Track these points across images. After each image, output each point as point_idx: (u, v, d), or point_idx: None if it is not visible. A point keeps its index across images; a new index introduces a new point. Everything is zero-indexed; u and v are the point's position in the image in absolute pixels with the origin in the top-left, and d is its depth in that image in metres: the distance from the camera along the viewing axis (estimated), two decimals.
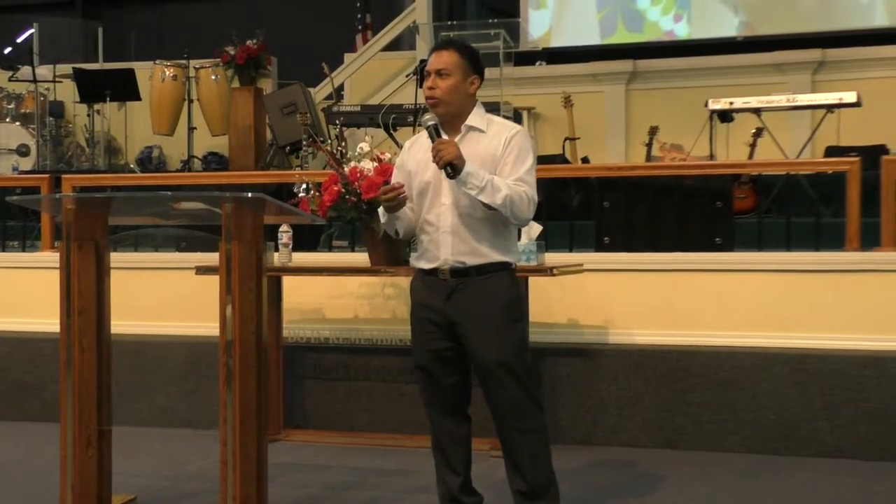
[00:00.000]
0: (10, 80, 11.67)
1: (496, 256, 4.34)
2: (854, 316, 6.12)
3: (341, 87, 11.67)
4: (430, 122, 4.35)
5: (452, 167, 4.17)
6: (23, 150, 11.04)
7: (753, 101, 8.87)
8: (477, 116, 4.39)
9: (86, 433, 4.72)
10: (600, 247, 6.86)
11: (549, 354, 6.27)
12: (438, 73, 4.33)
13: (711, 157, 8.64)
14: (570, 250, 6.87)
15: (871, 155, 7.54)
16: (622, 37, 11.85)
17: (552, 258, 6.12)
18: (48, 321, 6.16)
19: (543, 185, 7.43)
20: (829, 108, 8.77)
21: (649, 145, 8.99)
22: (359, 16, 13.33)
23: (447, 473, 4.61)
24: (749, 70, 10.75)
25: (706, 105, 8.88)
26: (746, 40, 11.30)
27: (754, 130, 8.63)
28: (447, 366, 4.48)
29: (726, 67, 10.82)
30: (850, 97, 8.66)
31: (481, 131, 4.36)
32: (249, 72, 11.02)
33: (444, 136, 4.31)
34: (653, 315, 6.39)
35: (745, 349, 6.11)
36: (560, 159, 9.31)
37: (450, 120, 4.38)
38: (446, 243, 4.36)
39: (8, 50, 12.85)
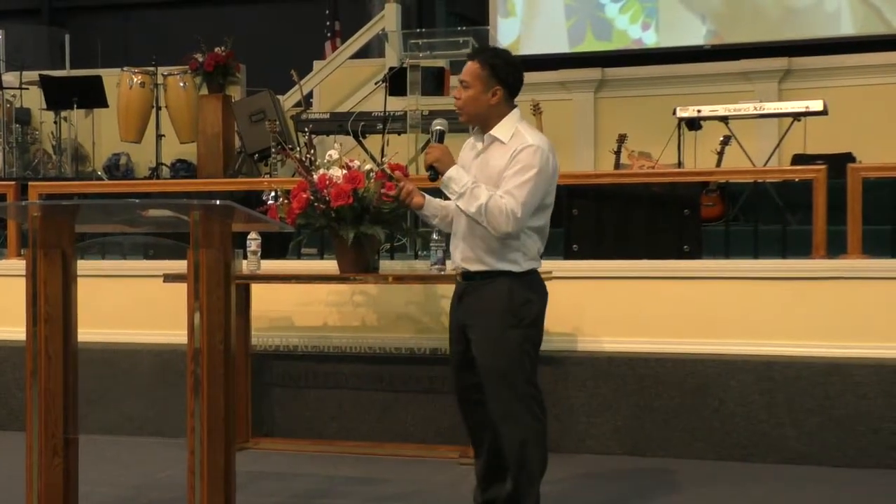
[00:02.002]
0: None
1: (497, 265, 4.40)
2: (821, 323, 6.15)
3: (310, 95, 11.67)
4: (436, 127, 4.55)
5: (434, 170, 4.24)
6: None
7: (721, 110, 8.93)
8: (503, 127, 4.44)
9: (52, 442, 4.68)
10: (569, 254, 6.87)
11: None
12: (462, 83, 4.45)
13: (679, 164, 8.69)
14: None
15: (838, 163, 7.58)
16: (591, 45, 11.91)
17: None
18: (14, 329, 6.12)
19: None
20: (796, 116, 8.85)
21: (618, 153, 9.03)
22: (328, 23, 13.34)
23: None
24: (716, 78, 10.84)
25: (674, 113, 8.94)
26: (714, 49, 11.39)
27: (722, 138, 8.69)
28: (467, 368, 4.56)
29: (694, 76, 10.90)
30: (816, 105, 8.73)
31: (502, 143, 4.42)
32: (218, 79, 11.00)
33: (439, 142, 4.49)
34: (621, 322, 6.41)
35: (712, 356, 6.13)
36: None
37: (480, 128, 4.50)
38: (458, 248, 4.53)
39: None
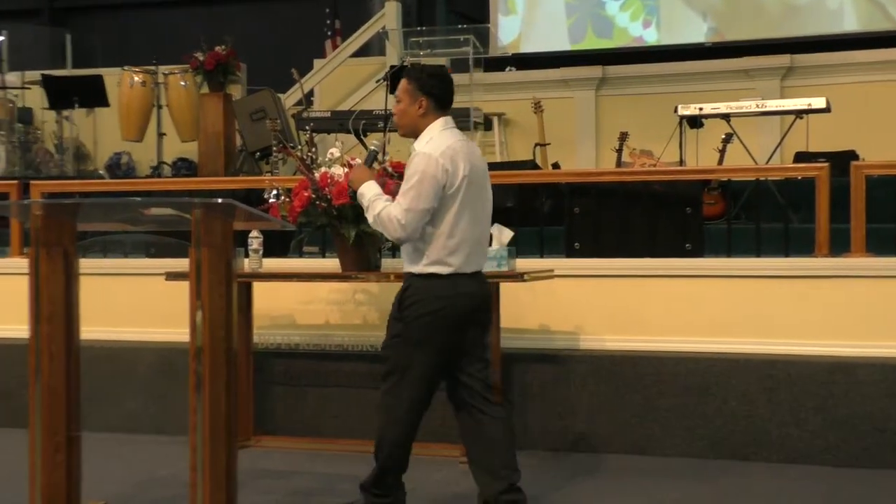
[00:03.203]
0: None
1: (409, 267, 4.71)
2: (823, 322, 6.15)
3: (311, 93, 11.66)
4: (371, 148, 5.07)
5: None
6: None
7: (722, 107, 8.91)
8: (423, 138, 4.70)
9: (55, 439, 4.68)
10: (571, 252, 6.87)
11: (520, 360, 6.27)
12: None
13: (681, 162, 8.68)
14: (541, 256, 6.88)
15: (841, 161, 7.59)
16: (591, 42, 11.91)
17: (523, 264, 6.13)
18: (17, 327, 6.11)
19: (514, 190, 7.49)
20: (799, 113, 8.83)
21: (619, 151, 9.02)
22: (328, 22, 13.33)
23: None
24: (718, 76, 10.83)
25: (676, 111, 8.92)
26: (715, 46, 11.39)
27: (724, 136, 8.68)
28: None
29: (695, 73, 10.89)
30: (819, 103, 8.72)
31: (415, 151, 4.69)
32: (218, 78, 10.98)
33: (369, 165, 5.02)
34: (623, 321, 6.41)
35: (714, 355, 6.13)
36: (530, 165, 9.33)
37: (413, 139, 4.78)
38: None
39: None
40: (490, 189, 4.86)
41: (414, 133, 4.75)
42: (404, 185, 4.60)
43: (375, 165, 5.41)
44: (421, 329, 4.62)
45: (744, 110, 8.98)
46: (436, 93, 4.71)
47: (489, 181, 4.86)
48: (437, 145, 4.62)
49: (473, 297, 4.69)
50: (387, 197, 4.69)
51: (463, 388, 4.77)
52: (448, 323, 4.63)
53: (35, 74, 11.57)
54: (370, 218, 4.68)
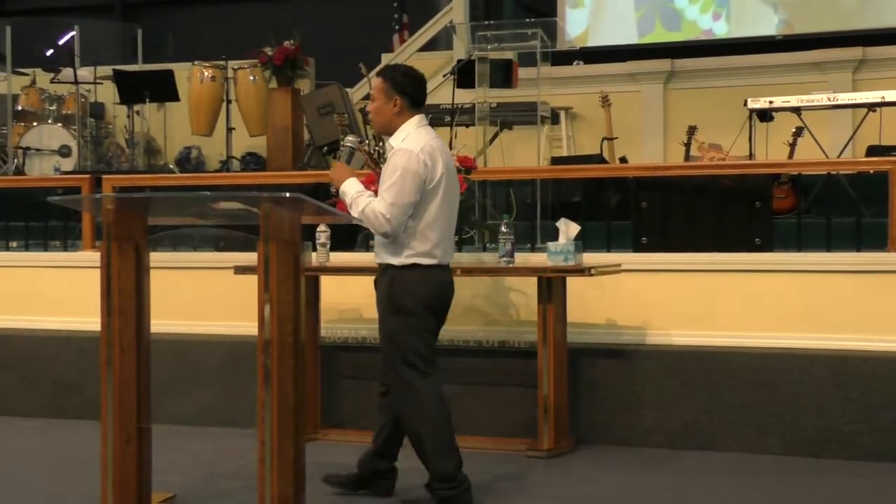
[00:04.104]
0: (51, 82, 11.77)
1: (386, 258, 4.91)
2: None
3: None
4: (347, 144, 5.19)
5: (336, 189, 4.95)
6: (64, 151, 11.13)
7: (793, 101, 8.79)
8: (398, 135, 4.90)
9: (126, 431, 4.75)
10: (638, 247, 6.83)
11: (586, 355, 6.25)
12: (368, 96, 5.08)
13: (750, 156, 8.58)
14: (608, 250, 6.84)
15: None
16: (660, 35, 11.80)
17: (590, 258, 6.10)
18: (89, 320, 6.21)
19: (581, 185, 7.46)
20: (871, 106, 8.68)
21: (688, 145, 8.94)
22: (396, 16, 13.35)
23: None
24: (789, 69, 10.68)
25: (745, 104, 8.82)
26: (786, 39, 11.22)
27: (794, 130, 8.56)
28: None
29: (766, 66, 10.75)
30: (892, 96, 8.56)
31: (393, 148, 4.89)
32: (287, 72, 11.05)
33: (348, 161, 5.14)
34: (691, 316, 6.36)
35: (784, 350, 6.07)
36: (598, 159, 9.28)
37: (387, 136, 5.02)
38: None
39: (50, 52, 12.97)
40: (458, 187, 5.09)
41: (388, 130, 4.96)
42: (386, 182, 4.77)
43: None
44: (420, 315, 4.83)
45: (815, 104, 8.84)
46: (409, 91, 4.93)
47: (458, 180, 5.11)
48: (415, 142, 4.82)
49: (450, 287, 4.98)
50: (369, 193, 4.88)
51: None
52: (438, 307, 4.89)
53: (107, 70, 11.71)
54: (355, 213, 4.83)
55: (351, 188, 4.90)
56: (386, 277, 4.91)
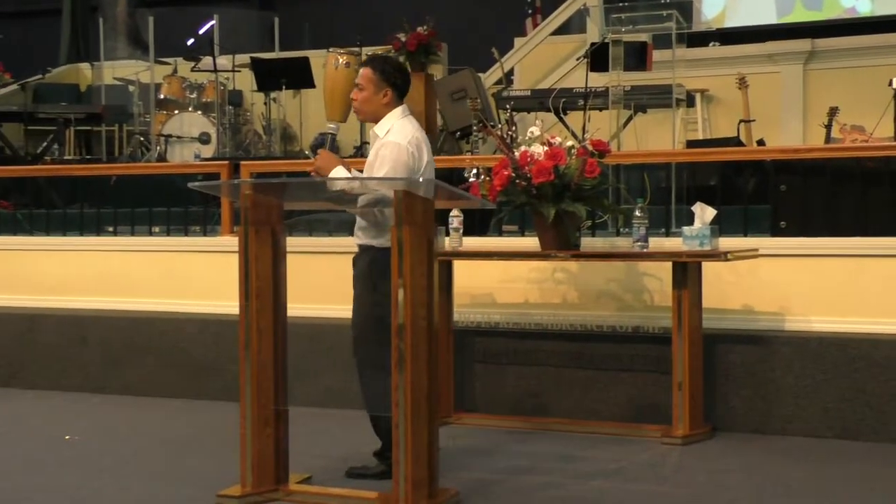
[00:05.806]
0: (192, 71, 12.07)
1: (365, 240, 5.12)
2: None
3: (511, 72, 11.66)
4: (327, 132, 5.46)
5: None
6: (204, 138, 11.40)
7: None
8: (384, 124, 5.13)
9: (264, 412, 4.85)
10: (776, 231, 6.70)
11: (722, 341, 6.15)
12: (357, 86, 5.18)
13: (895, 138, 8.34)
14: (745, 235, 6.72)
15: None
16: (800, 15, 11.53)
17: (726, 243, 6.01)
18: (227, 303, 6.34)
19: (717, 168, 7.33)
20: None
21: (828, 127, 8.73)
22: (528, 0, 13.30)
23: None
24: None
25: (890, 84, 8.57)
26: None
27: None
28: None
29: None
30: None
31: (379, 137, 5.11)
32: (420, 58, 11.09)
33: (332, 149, 5.38)
34: (831, 302, 6.20)
35: None
36: (735, 142, 9.12)
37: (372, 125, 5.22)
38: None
39: (191, 41, 13.26)
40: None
41: (374, 119, 5.17)
42: (379, 172, 4.97)
43: (574, 144, 5.40)
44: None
45: None
46: (399, 84, 5.17)
47: None
48: (402, 133, 5.04)
49: None
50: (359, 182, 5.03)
51: None
52: None
53: (244, 58, 11.94)
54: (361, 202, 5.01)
55: (340, 174, 5.07)
56: (366, 257, 5.08)
